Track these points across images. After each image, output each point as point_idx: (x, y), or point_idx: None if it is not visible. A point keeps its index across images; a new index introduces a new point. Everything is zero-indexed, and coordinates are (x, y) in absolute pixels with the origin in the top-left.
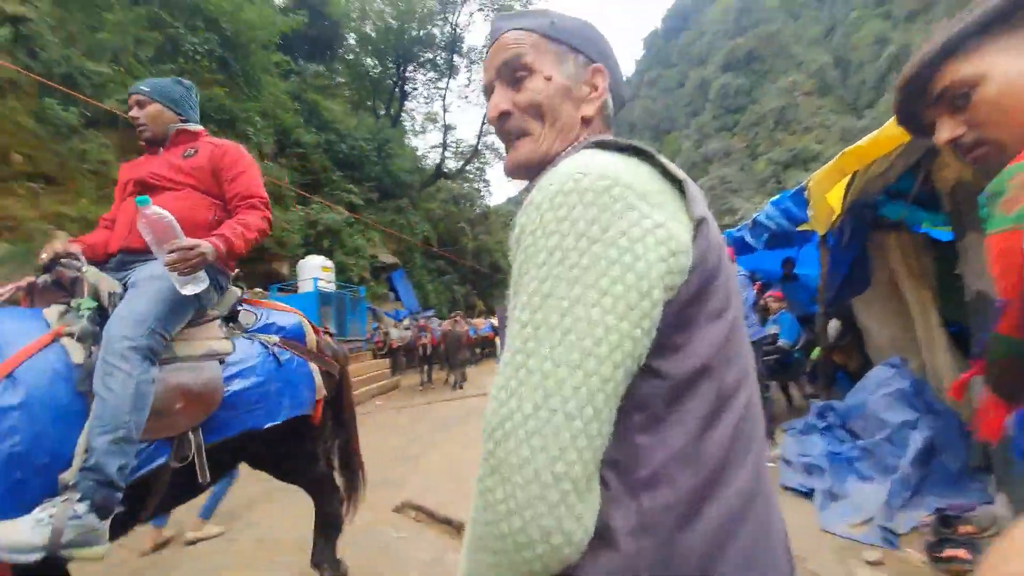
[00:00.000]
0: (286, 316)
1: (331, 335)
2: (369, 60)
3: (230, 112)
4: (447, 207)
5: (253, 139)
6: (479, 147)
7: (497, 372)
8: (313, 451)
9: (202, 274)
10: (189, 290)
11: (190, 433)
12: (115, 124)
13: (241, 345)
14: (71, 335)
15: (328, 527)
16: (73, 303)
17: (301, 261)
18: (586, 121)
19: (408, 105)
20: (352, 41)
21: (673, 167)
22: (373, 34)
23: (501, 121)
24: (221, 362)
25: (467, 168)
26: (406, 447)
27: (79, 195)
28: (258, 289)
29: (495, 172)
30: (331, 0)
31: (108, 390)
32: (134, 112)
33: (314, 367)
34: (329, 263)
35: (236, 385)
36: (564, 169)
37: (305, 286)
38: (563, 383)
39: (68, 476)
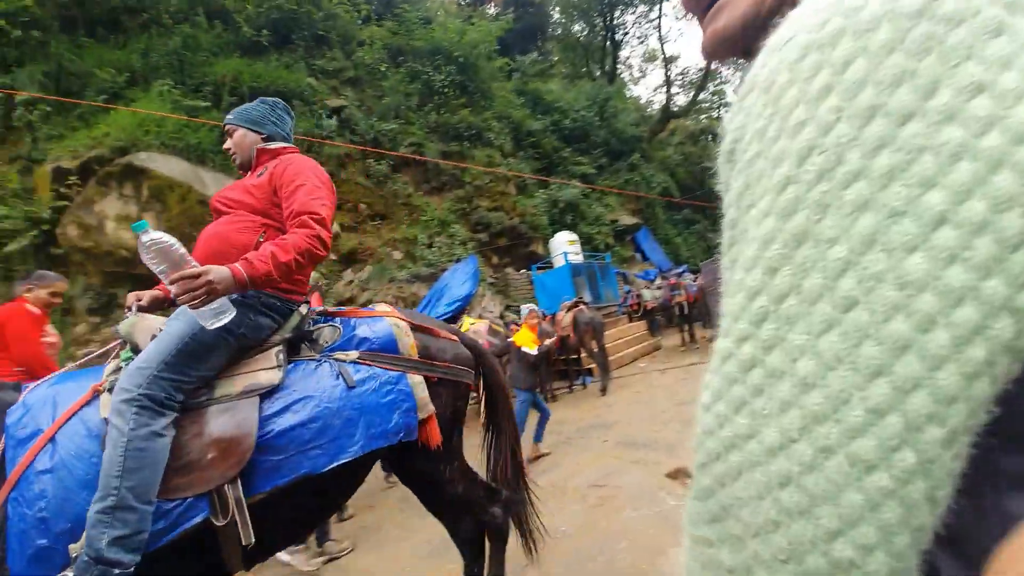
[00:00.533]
0: (374, 324)
1: (585, 304)
2: (576, 26)
3: (474, 126)
4: (684, 149)
5: (495, 143)
6: (711, 67)
7: (707, 367)
8: (434, 476)
9: (224, 304)
10: (213, 324)
11: (227, 487)
12: (409, 165)
13: (299, 372)
14: (109, 389)
15: (477, 549)
16: (122, 355)
17: (551, 240)
18: None
19: (622, 55)
20: (558, 15)
21: None
22: None
23: None
24: (265, 397)
25: (700, 98)
26: (676, 409)
27: (399, 223)
28: (523, 270)
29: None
30: None
31: (104, 451)
32: (227, 143)
33: (416, 380)
34: (574, 236)
35: (284, 422)
36: (814, 2)
37: (558, 261)
38: (843, 403)
39: (76, 547)
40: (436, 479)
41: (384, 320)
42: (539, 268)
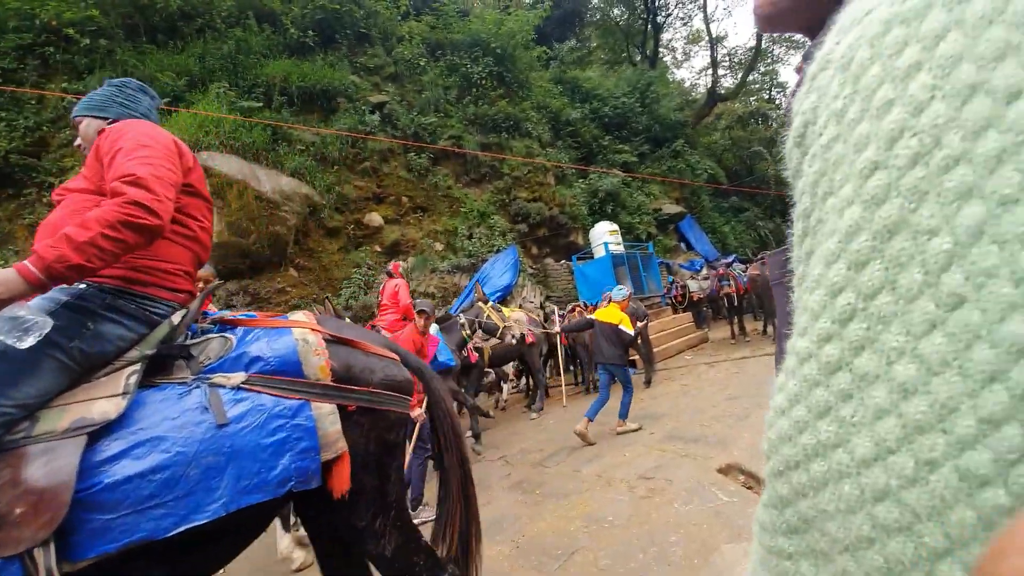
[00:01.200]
0: (275, 338)
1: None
2: (615, 10)
3: (512, 117)
4: (731, 134)
5: (533, 134)
6: (761, 46)
7: (780, 368)
8: (352, 531)
9: (26, 316)
10: (23, 341)
11: (37, 551)
12: (448, 158)
13: (153, 402)
14: None
15: None
16: None
17: (591, 230)
18: None
19: (663, 38)
20: (596, 0)
21: None
22: None
23: None
24: (98, 436)
25: (749, 79)
26: (726, 404)
27: (440, 215)
28: (564, 261)
29: (789, 70)
30: None
31: None
32: (76, 139)
33: (324, 410)
34: (614, 226)
35: (119, 470)
36: None
37: (598, 251)
38: (951, 411)
39: None
40: (355, 535)
41: (289, 333)
42: (579, 258)
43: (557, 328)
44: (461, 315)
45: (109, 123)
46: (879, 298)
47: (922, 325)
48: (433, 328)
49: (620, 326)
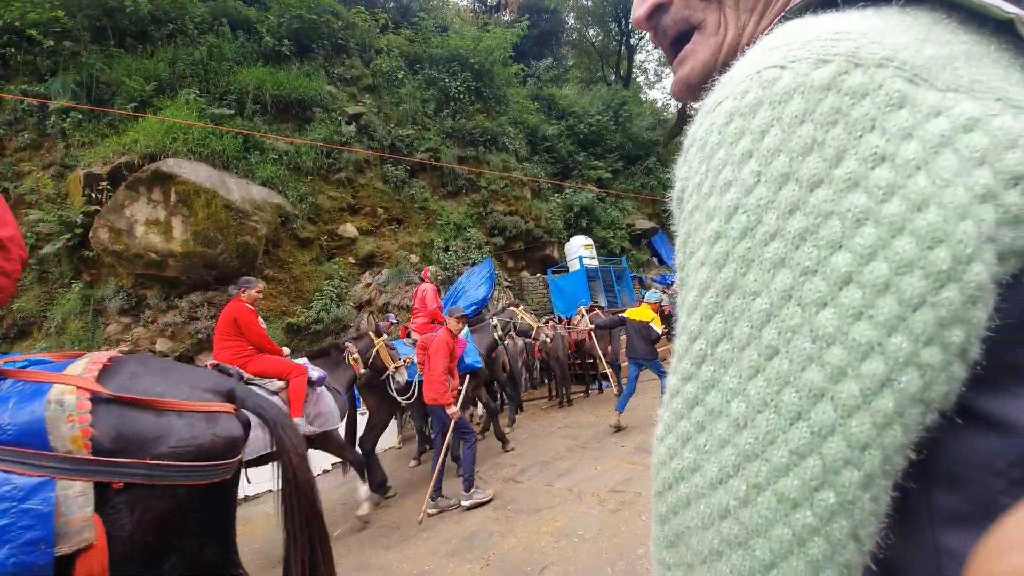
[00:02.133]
0: (24, 400)
1: (601, 308)
2: (591, 31)
3: (489, 131)
4: None
5: (510, 148)
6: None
7: (662, 402)
8: None
9: None
10: None
11: None
12: (425, 170)
13: None
14: None
15: None
16: None
17: (566, 244)
18: None
19: (637, 59)
20: (572, 21)
21: None
22: (589, 3)
23: (655, 19)
24: None
25: None
26: None
27: (416, 227)
28: (539, 274)
29: None
30: None
31: None
32: None
33: (74, 490)
34: (589, 240)
35: None
36: (744, 66)
37: (573, 265)
38: (770, 443)
39: None
40: None
41: (44, 393)
42: (554, 272)
43: (590, 324)
44: (494, 317)
45: None
46: (721, 346)
47: (749, 370)
48: (464, 331)
49: (651, 324)
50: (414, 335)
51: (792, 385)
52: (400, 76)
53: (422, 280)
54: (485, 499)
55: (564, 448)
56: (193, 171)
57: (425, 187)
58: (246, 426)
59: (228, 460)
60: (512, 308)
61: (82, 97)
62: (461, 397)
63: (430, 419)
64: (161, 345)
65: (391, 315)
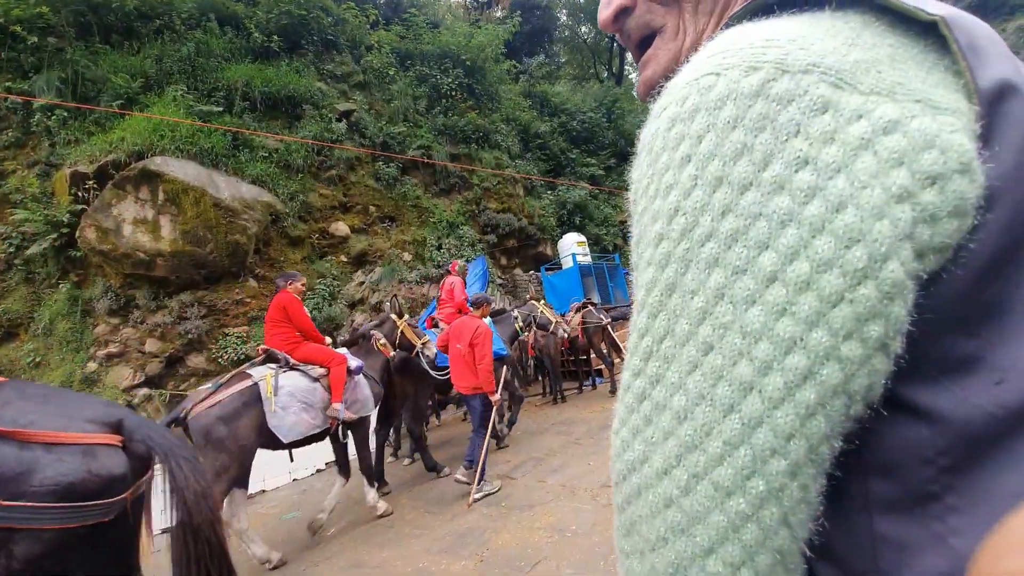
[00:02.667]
0: None
1: (594, 305)
2: (583, 28)
3: (482, 128)
4: None
5: (502, 145)
6: None
7: (618, 396)
8: None
9: None
10: None
11: None
12: (417, 168)
13: None
14: None
15: None
16: None
17: (560, 241)
18: None
19: (629, 56)
20: (564, 18)
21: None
22: (581, 0)
23: (620, 22)
24: None
25: None
26: None
27: (409, 225)
28: (532, 271)
29: None
30: None
31: None
32: None
33: None
34: (582, 237)
35: None
36: (687, 72)
37: (566, 262)
38: (706, 434)
39: None
40: None
41: None
42: (548, 269)
43: (608, 319)
44: (515, 310)
45: None
46: (665, 342)
47: (688, 365)
48: (487, 320)
49: None
50: (442, 325)
51: (725, 379)
52: (391, 73)
53: (449, 272)
54: (493, 490)
55: (557, 444)
56: (181, 169)
57: (417, 185)
58: (141, 460)
59: (106, 500)
60: (533, 302)
61: (67, 94)
62: (500, 384)
63: (465, 410)
64: (151, 345)
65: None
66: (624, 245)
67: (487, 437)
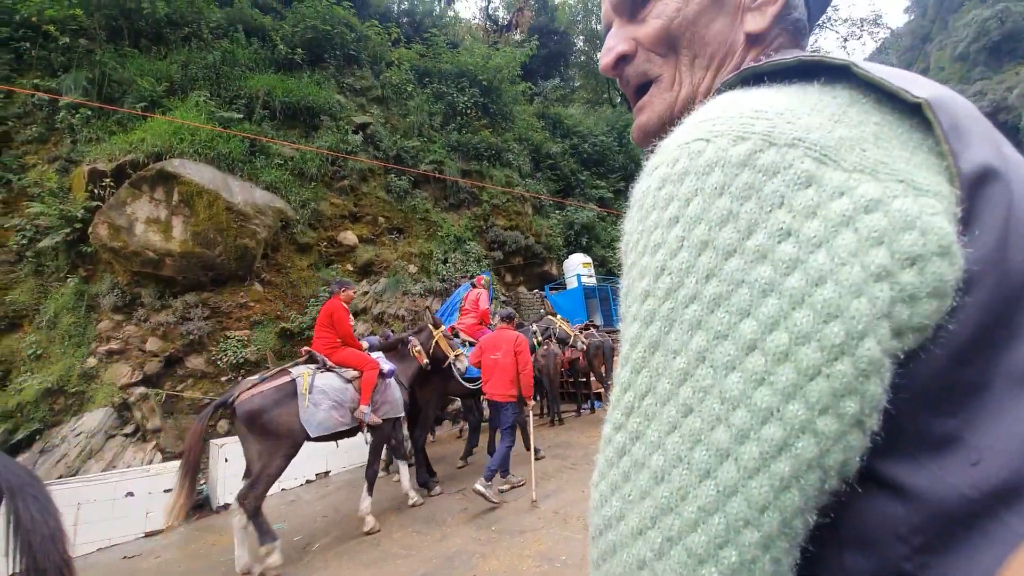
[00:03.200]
0: None
1: (596, 327)
2: (599, 54)
3: (494, 147)
4: None
5: (514, 164)
6: None
7: (600, 446)
8: None
9: None
10: None
11: None
12: (428, 182)
13: None
14: None
15: None
16: None
17: (565, 261)
18: (754, 40)
19: None
20: (581, 44)
21: (903, 79)
22: (598, 27)
23: (619, 68)
24: None
25: None
26: None
27: (416, 237)
28: (536, 290)
29: None
30: (557, 16)
31: None
32: None
33: None
34: (588, 258)
35: None
36: (679, 134)
37: (571, 282)
38: (682, 498)
39: None
40: None
41: None
42: (552, 288)
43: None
44: (533, 324)
45: None
46: (646, 399)
47: (667, 426)
48: None
49: None
50: (462, 335)
51: (703, 443)
52: (409, 89)
53: (474, 286)
54: (519, 483)
55: (552, 468)
56: (197, 172)
57: (427, 198)
58: None
59: None
60: (550, 317)
61: (93, 94)
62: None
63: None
64: (152, 344)
65: (389, 331)
66: None
67: (511, 447)
